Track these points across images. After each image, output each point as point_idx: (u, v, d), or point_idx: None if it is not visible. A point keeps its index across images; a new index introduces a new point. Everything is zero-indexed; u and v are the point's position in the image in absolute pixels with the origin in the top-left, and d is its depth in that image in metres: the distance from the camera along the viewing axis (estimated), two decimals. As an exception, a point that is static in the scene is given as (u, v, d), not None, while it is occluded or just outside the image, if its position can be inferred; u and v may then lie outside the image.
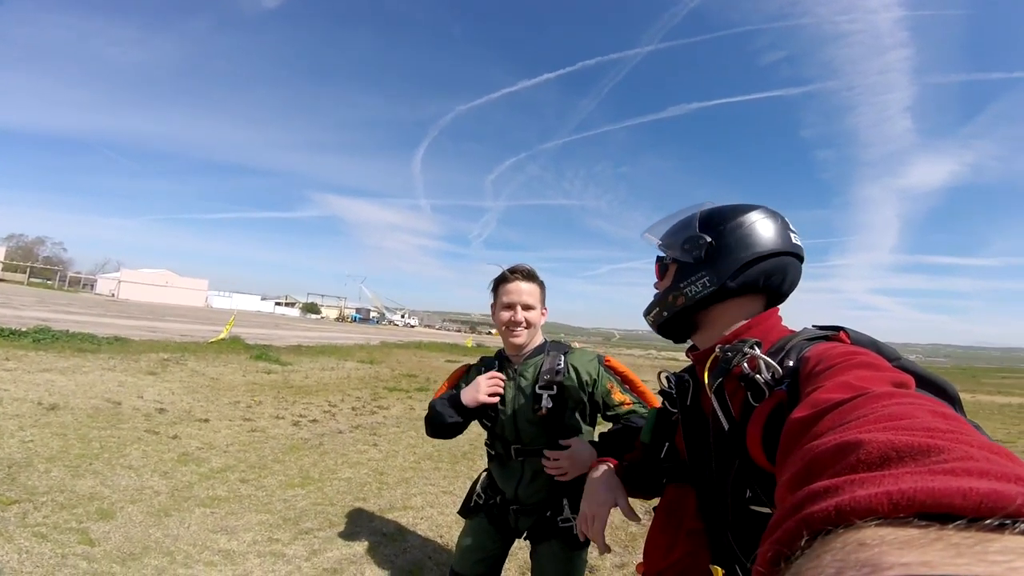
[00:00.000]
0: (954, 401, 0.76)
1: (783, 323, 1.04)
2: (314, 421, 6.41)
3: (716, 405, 0.92)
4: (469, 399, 1.71)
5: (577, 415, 1.77)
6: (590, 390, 1.75)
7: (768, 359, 0.82)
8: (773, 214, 1.04)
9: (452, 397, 1.75)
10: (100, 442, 4.38)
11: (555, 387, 1.72)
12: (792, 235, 1.03)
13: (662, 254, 1.14)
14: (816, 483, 0.31)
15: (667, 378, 1.17)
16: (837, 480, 0.30)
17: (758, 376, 0.82)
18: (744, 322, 1.01)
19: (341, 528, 3.35)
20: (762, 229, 1.01)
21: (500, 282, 1.81)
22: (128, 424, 5.06)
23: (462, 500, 1.97)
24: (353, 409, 7.44)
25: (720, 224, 1.03)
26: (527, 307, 1.77)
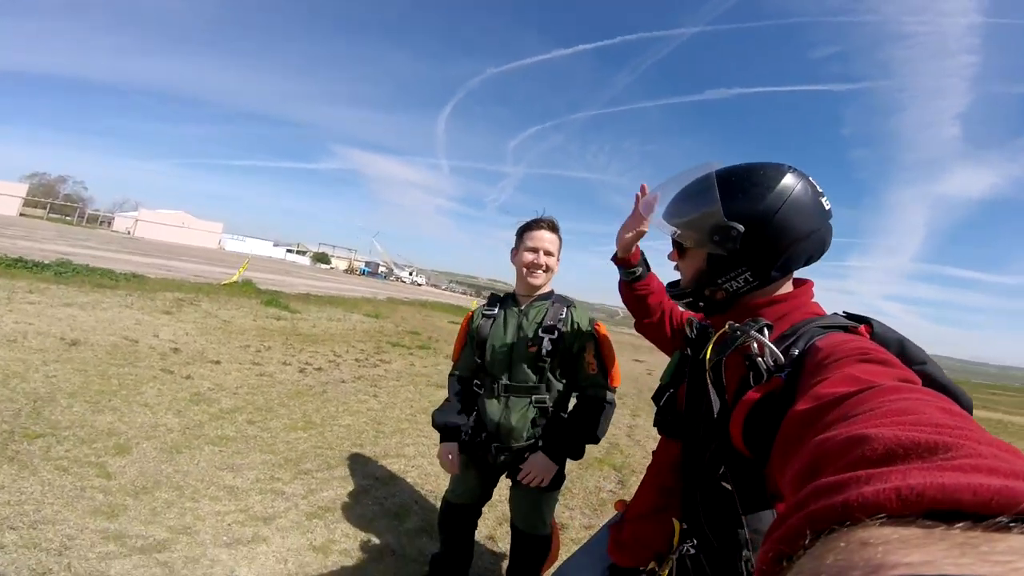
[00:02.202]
0: (968, 411, 0.78)
1: (814, 299, 1.00)
2: (319, 369, 6.70)
3: (711, 383, 0.90)
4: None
5: (562, 363, 1.96)
6: (573, 341, 1.95)
7: (772, 347, 0.80)
8: (804, 181, 0.95)
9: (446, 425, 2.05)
10: (118, 379, 4.68)
11: (555, 332, 1.91)
12: (824, 201, 0.96)
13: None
14: (822, 479, 0.31)
15: (694, 325, 1.16)
16: (843, 476, 0.30)
17: (760, 360, 0.81)
18: (776, 294, 0.98)
19: (337, 470, 3.63)
20: (799, 207, 0.92)
21: (526, 228, 2.02)
22: (144, 362, 5.37)
23: None
24: (356, 361, 7.73)
25: (751, 205, 0.93)
26: (548, 253, 1.98)
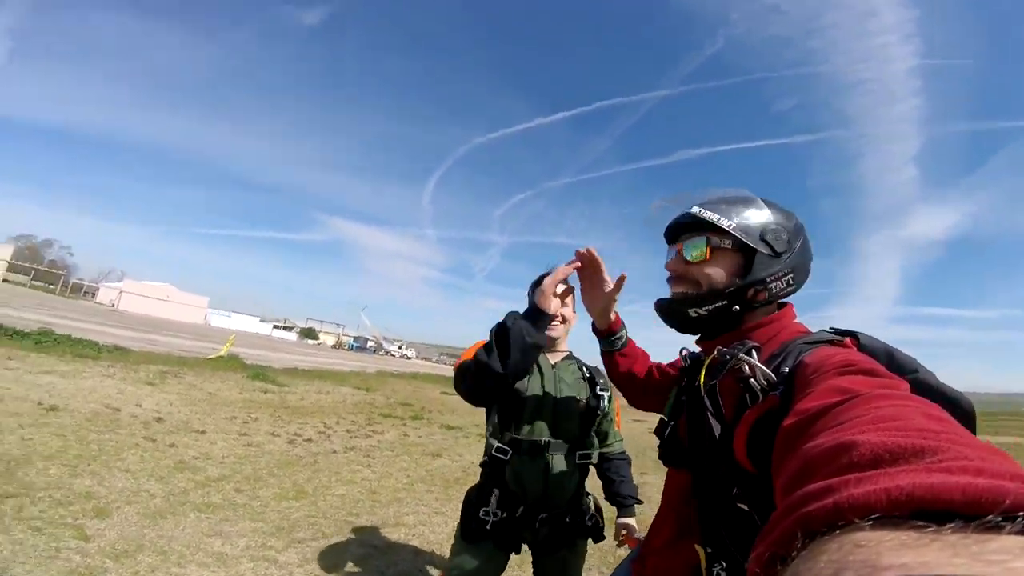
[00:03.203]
0: (968, 416, 0.76)
1: (796, 320, 1.03)
2: (309, 440, 6.39)
3: (708, 406, 0.91)
4: (544, 300, 1.37)
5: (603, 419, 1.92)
6: (612, 398, 1.92)
7: (763, 367, 0.81)
8: None
9: (523, 312, 1.43)
10: (98, 445, 4.40)
11: (608, 389, 1.88)
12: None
13: (731, 232, 1.00)
14: (811, 484, 0.31)
15: (686, 356, 1.15)
16: (832, 480, 0.30)
17: (753, 381, 0.81)
18: (763, 318, 1.00)
19: (333, 540, 3.34)
20: (807, 235, 1.05)
21: (535, 284, 1.85)
22: (126, 430, 5.08)
23: (457, 522, 1.81)
24: (348, 432, 7.41)
25: (791, 221, 1.01)
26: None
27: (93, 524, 2.86)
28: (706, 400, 0.91)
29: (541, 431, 1.77)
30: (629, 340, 1.46)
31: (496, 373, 1.37)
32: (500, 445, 1.77)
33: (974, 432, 0.73)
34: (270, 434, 6.32)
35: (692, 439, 1.01)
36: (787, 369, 0.78)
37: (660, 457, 1.11)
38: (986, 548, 0.20)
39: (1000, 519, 0.22)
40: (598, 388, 1.88)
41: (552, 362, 1.91)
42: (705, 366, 0.96)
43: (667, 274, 1.11)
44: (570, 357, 1.97)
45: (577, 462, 1.80)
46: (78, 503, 3.10)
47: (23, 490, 3.09)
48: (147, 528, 2.96)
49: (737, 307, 0.99)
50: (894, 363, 0.80)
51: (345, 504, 4.16)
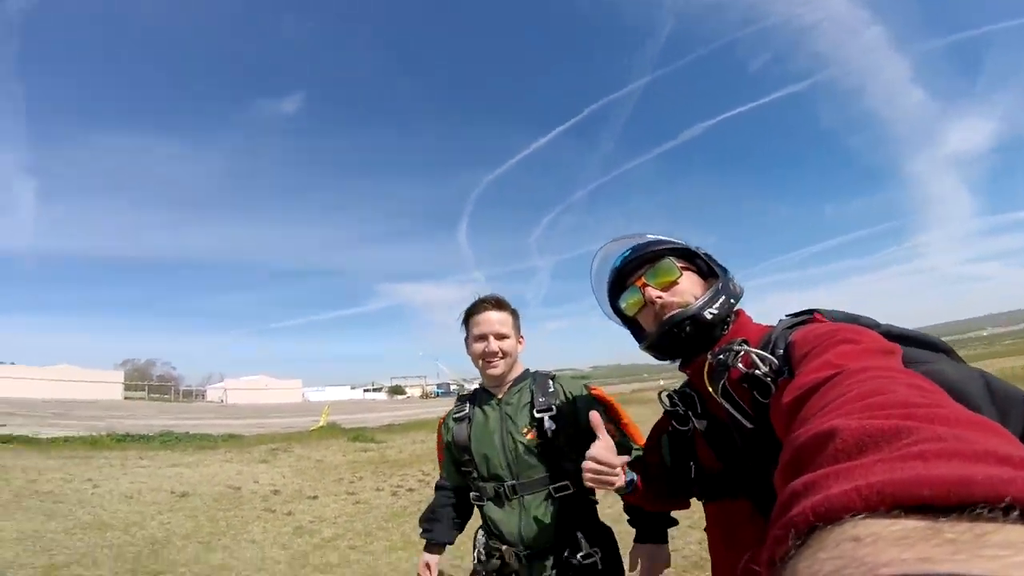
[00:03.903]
0: (948, 353, 0.78)
1: (754, 320, 1.03)
2: (411, 490, 6.58)
3: (730, 408, 0.88)
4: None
5: (572, 440, 1.59)
6: (575, 412, 1.63)
7: (761, 352, 0.81)
8: None
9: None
10: (226, 521, 4.80)
11: (553, 408, 1.61)
12: None
13: (693, 249, 1.08)
14: (798, 479, 0.31)
15: (669, 396, 1.12)
16: (815, 475, 0.29)
17: (757, 371, 0.80)
18: (732, 326, 1.00)
19: (446, 584, 3.40)
20: None
21: (470, 314, 1.74)
22: (248, 505, 5.50)
23: None
24: (447, 476, 7.56)
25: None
26: (500, 336, 1.69)
27: (230, 593, 3.10)
28: (725, 404, 0.88)
29: (502, 476, 1.64)
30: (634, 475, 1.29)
31: None
32: (473, 493, 1.72)
33: (962, 363, 0.76)
34: (375, 490, 6.58)
35: (726, 460, 0.98)
36: (781, 351, 0.80)
37: (702, 497, 1.07)
38: (986, 542, 0.20)
39: (1002, 508, 0.21)
40: (535, 412, 1.62)
41: (499, 396, 1.73)
42: (705, 375, 0.93)
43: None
44: (521, 379, 1.74)
45: (556, 496, 1.60)
46: (215, 575, 3.37)
47: (167, 568, 3.43)
48: (276, 591, 3.16)
49: (732, 300, 0.99)
50: (860, 324, 0.81)
51: (450, 548, 4.21)
